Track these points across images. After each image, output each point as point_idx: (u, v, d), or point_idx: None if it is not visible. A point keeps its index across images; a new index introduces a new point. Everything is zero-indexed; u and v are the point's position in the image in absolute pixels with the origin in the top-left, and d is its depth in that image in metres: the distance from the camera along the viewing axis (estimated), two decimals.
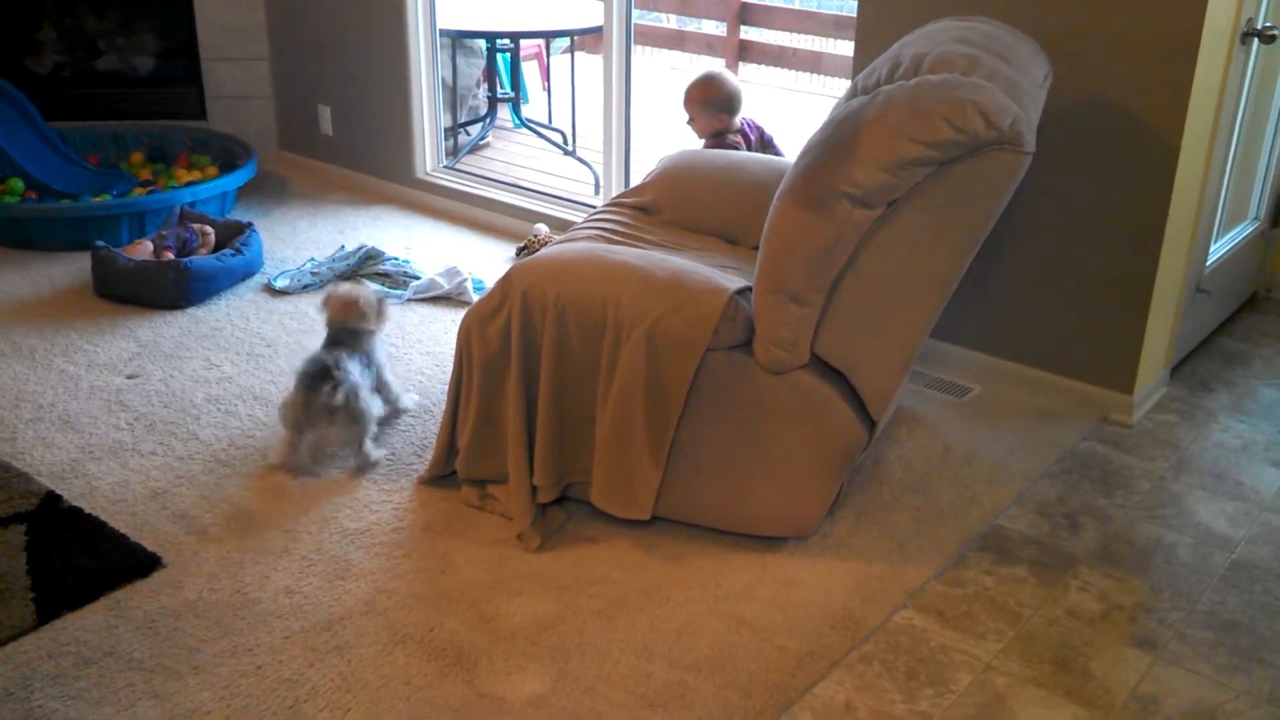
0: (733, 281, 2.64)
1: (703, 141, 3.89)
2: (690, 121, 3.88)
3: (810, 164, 2.46)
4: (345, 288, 3.22)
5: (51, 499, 2.82)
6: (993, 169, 2.39)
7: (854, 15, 3.57)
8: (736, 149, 3.79)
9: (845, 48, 7.07)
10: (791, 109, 7.06)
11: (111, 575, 2.55)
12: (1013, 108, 2.35)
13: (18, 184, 4.51)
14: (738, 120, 3.88)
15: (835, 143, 2.43)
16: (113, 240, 4.16)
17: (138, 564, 2.59)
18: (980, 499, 2.93)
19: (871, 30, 3.46)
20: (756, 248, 2.89)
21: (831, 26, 7.22)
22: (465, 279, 4.04)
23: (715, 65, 7.21)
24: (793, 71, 7.54)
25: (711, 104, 3.82)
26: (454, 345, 2.86)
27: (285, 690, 2.26)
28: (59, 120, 4.97)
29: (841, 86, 7.04)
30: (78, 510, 2.78)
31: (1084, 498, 2.96)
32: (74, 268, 4.16)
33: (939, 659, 2.39)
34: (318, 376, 2.93)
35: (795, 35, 7.57)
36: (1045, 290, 3.34)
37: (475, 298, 3.94)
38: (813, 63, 7.37)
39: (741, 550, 2.71)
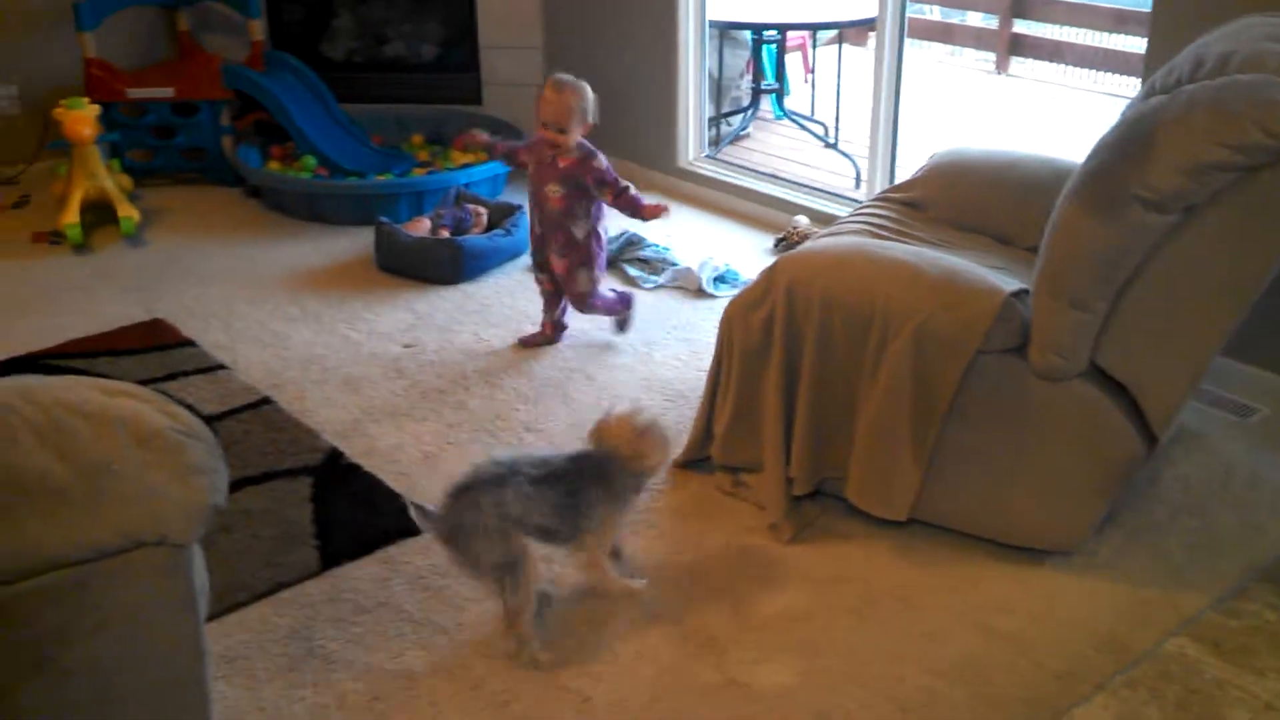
0: (1008, 283, 2.56)
1: (559, 162, 3.40)
2: (562, 133, 3.35)
3: (1101, 165, 2.35)
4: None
5: (334, 455, 3.02)
6: None
7: (1138, 9, 3.39)
8: (598, 155, 3.43)
9: (1126, 43, 6.73)
10: (1066, 106, 6.78)
11: (387, 531, 2.71)
12: None
13: (311, 161, 4.82)
14: None
15: (1129, 143, 2.32)
16: (392, 217, 4.38)
17: (410, 523, 2.72)
18: (1266, 528, 2.74)
19: (1168, 26, 3.28)
20: (1031, 249, 2.80)
21: (1113, 21, 6.87)
22: (704, 273, 4.04)
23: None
24: (1067, 67, 7.23)
25: (587, 109, 3.38)
26: (709, 333, 2.88)
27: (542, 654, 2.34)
28: (348, 102, 5.27)
29: (1122, 84, 6.70)
30: (357, 467, 2.97)
31: None
32: (358, 241, 4.41)
33: (1213, 692, 2.25)
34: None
35: (1072, 29, 7.24)
36: None
37: (712, 290, 3.97)
38: (1090, 59, 7.04)
39: (999, 560, 2.63)
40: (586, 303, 3.57)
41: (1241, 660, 2.33)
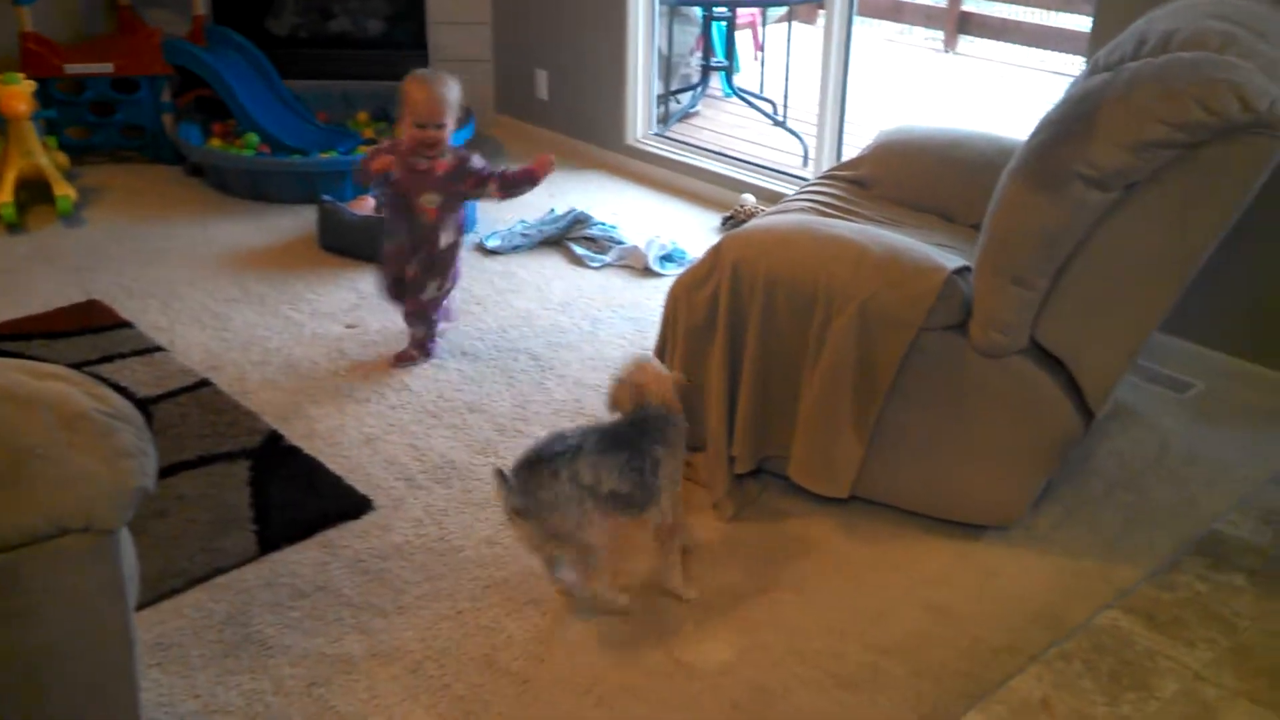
0: (951, 260, 2.57)
1: (436, 168, 3.18)
2: (440, 129, 3.13)
3: (1044, 142, 2.36)
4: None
5: (274, 437, 2.98)
6: (1244, 154, 2.25)
7: None
8: (471, 154, 3.27)
9: (1073, 21, 6.77)
10: (1014, 84, 6.82)
11: (326, 514, 2.68)
12: (1271, 89, 2.20)
13: (253, 138, 4.75)
14: None
15: (1073, 120, 2.34)
16: (336, 195, 4.33)
17: (350, 506, 2.72)
18: (1198, 501, 2.78)
19: (1113, 4, 3.29)
20: (976, 226, 2.81)
21: (1060, 0, 6.92)
22: (650, 251, 4.03)
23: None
24: (1015, 46, 7.27)
25: (459, 100, 3.17)
26: (655, 312, 2.87)
27: (483, 637, 2.34)
28: (293, 79, 5.20)
29: (1068, 62, 6.74)
30: (297, 450, 2.93)
31: None
32: (301, 220, 4.36)
33: (1144, 663, 2.28)
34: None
35: (1020, 8, 7.28)
36: None
37: (658, 269, 3.96)
38: (1038, 37, 7.08)
39: (939, 536, 2.65)
40: (426, 314, 3.34)
41: (1173, 632, 2.37)
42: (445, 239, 3.27)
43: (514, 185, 3.27)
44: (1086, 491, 2.80)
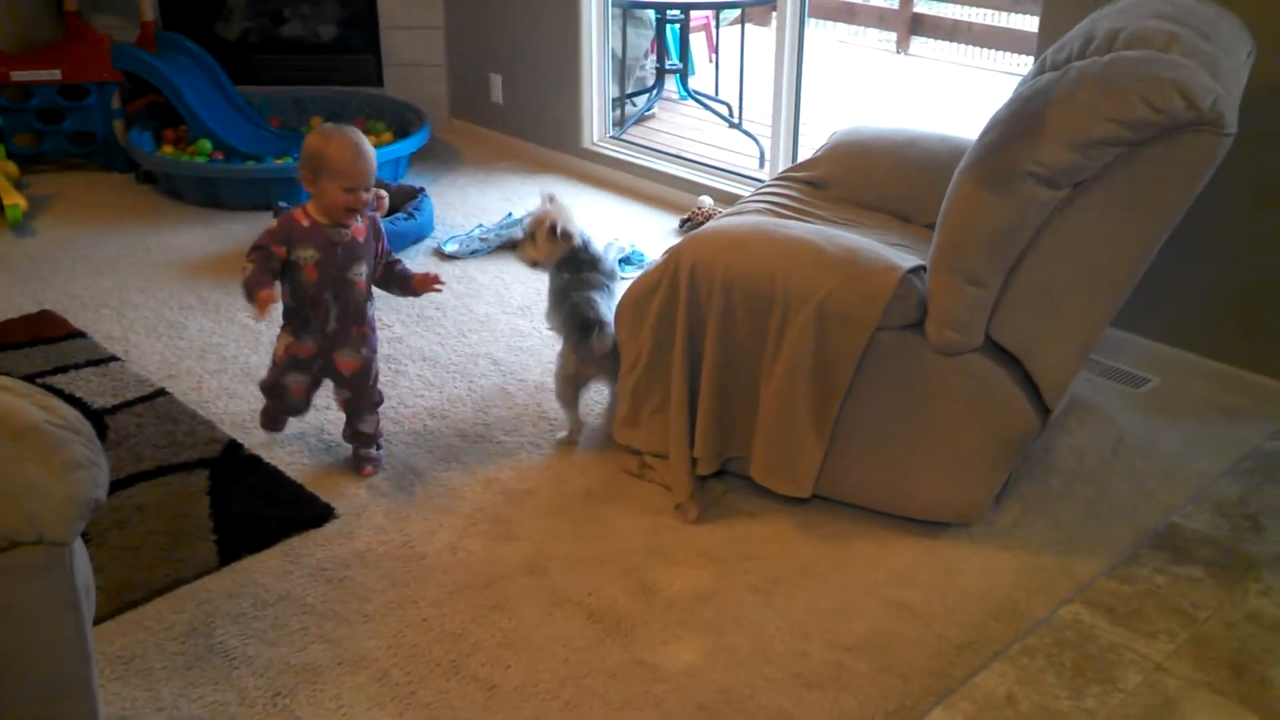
0: (906, 260, 2.59)
1: (355, 233, 2.74)
2: (368, 192, 2.69)
3: (994, 141, 2.39)
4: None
5: (233, 447, 2.95)
6: (1189, 151, 2.28)
7: None
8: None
9: (1022, 22, 6.86)
10: (965, 85, 6.88)
11: (287, 523, 2.66)
12: (1214, 87, 2.24)
13: (206, 145, 4.70)
14: None
15: (1022, 119, 2.36)
16: (292, 201, 4.28)
17: (313, 514, 2.70)
18: (1155, 494, 2.82)
19: (1059, 4, 3.33)
20: (930, 226, 2.83)
21: (1010, 0, 7.00)
22: (609, 254, 4.02)
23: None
24: (966, 47, 7.35)
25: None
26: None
27: (449, 643, 2.32)
28: (244, 84, 5.16)
29: (1018, 63, 6.82)
30: (257, 459, 2.91)
31: (1268, 499, 2.82)
32: (256, 226, 4.26)
33: (1107, 656, 2.31)
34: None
35: (970, 9, 7.36)
36: (1235, 279, 3.18)
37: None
38: (988, 38, 7.16)
39: (902, 534, 2.67)
40: (376, 407, 2.90)
41: (1133, 624, 2.40)
42: (371, 311, 2.85)
43: (390, 279, 2.90)
44: (1046, 487, 2.83)
